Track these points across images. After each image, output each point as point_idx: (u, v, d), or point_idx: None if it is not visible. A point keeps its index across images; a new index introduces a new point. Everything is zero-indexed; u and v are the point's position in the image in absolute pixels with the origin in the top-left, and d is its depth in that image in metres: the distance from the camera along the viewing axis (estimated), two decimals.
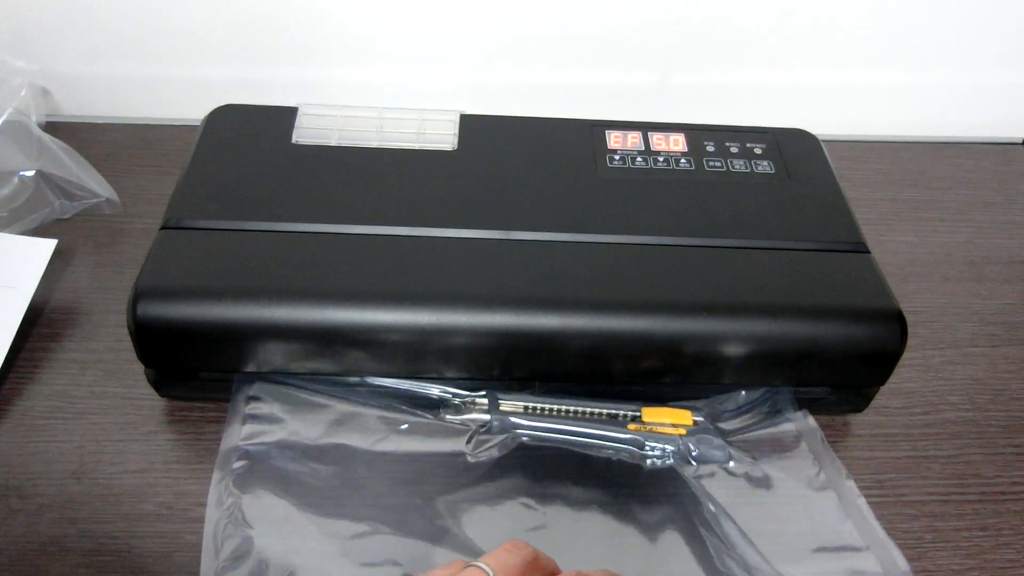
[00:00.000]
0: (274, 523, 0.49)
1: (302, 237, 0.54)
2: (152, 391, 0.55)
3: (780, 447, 0.54)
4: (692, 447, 0.52)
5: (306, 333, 0.51)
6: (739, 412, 0.55)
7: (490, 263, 0.54)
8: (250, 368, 0.53)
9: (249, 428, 0.52)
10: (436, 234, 0.55)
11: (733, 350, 0.52)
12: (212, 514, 0.48)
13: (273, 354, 0.52)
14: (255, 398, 0.53)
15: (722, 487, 0.52)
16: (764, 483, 0.52)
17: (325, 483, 0.51)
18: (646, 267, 0.54)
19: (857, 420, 0.59)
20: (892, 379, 0.55)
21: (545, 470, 0.53)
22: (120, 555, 0.49)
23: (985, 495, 0.55)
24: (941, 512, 0.54)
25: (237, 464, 0.50)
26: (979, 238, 0.74)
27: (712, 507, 0.50)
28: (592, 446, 0.53)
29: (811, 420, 0.54)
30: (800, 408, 0.56)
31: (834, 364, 0.54)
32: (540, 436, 0.53)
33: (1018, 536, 0.53)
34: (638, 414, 0.53)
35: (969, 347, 0.64)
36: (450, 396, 0.54)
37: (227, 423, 0.52)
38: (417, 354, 0.52)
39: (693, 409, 0.53)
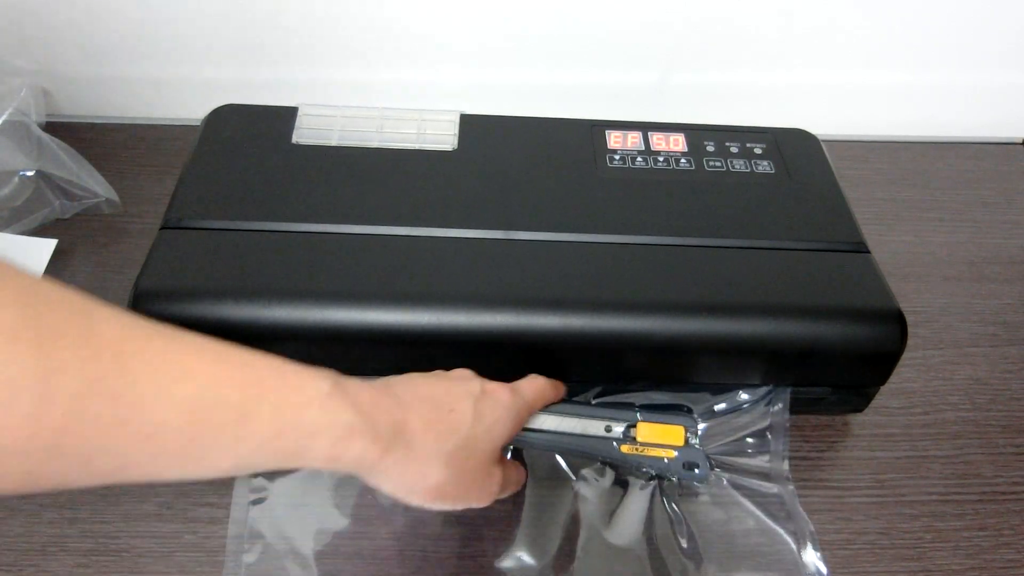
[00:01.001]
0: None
1: (302, 237, 0.54)
2: None
3: (761, 476, 0.54)
4: (676, 474, 0.53)
5: (306, 333, 0.51)
6: (729, 419, 0.55)
7: (490, 263, 0.54)
8: None
9: None
10: (436, 234, 0.55)
11: (733, 350, 0.52)
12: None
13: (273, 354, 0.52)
14: None
15: (694, 509, 0.53)
16: (730, 512, 0.53)
17: (333, 492, 0.51)
18: (646, 267, 0.54)
19: (857, 420, 0.59)
20: (892, 379, 0.55)
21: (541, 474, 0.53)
22: (120, 555, 0.49)
23: (985, 495, 0.55)
24: (941, 512, 0.54)
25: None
26: (979, 238, 0.74)
27: (680, 525, 0.52)
28: (585, 456, 0.54)
29: (785, 464, 0.54)
30: (800, 411, 0.56)
31: (834, 364, 0.54)
32: (536, 448, 0.53)
33: (1018, 536, 0.53)
34: (635, 424, 0.53)
35: (969, 347, 0.64)
36: None
37: None
38: (417, 355, 0.52)
39: (687, 425, 0.53)
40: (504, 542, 0.50)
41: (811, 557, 0.51)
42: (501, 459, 0.46)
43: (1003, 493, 0.55)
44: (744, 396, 0.55)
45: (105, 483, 0.35)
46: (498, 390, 0.46)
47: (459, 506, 0.44)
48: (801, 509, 0.52)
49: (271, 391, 0.37)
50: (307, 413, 0.38)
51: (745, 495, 0.53)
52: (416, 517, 0.51)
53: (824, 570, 0.50)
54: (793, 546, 0.51)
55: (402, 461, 0.40)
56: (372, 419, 0.39)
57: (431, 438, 0.41)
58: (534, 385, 0.49)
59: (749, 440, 0.55)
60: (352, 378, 0.41)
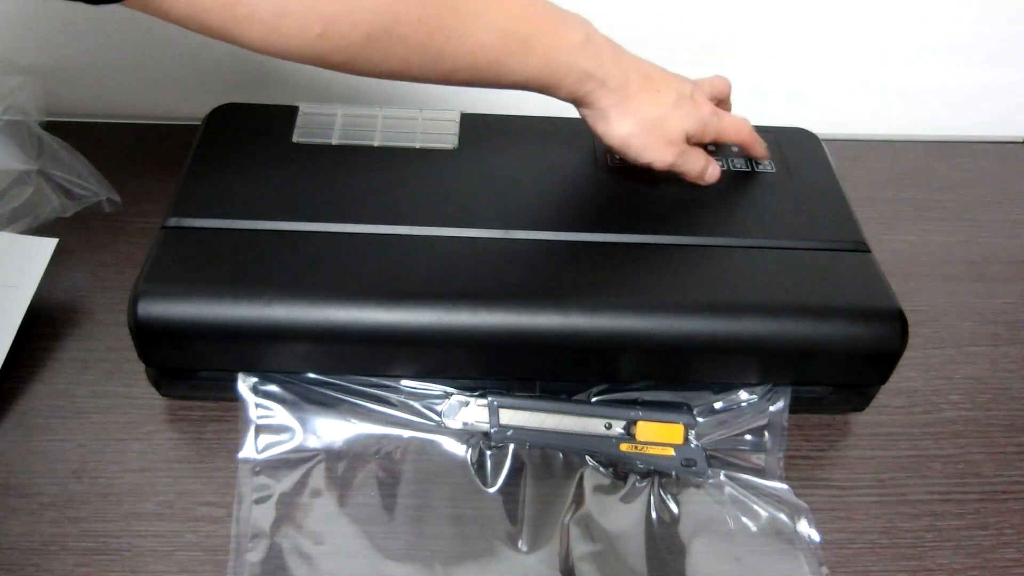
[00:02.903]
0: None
1: (302, 236, 0.54)
2: (153, 390, 0.55)
3: (757, 473, 0.54)
4: (675, 470, 0.53)
5: (306, 332, 0.51)
6: (729, 416, 0.55)
7: (490, 262, 0.54)
8: (251, 368, 0.53)
9: (263, 439, 0.53)
10: (437, 233, 0.55)
11: (733, 349, 0.52)
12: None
13: (274, 353, 0.52)
14: (262, 405, 0.53)
15: (692, 503, 0.53)
16: (727, 506, 0.53)
17: (335, 490, 0.52)
18: (646, 266, 0.54)
19: (858, 419, 0.59)
20: (893, 378, 0.55)
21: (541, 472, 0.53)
22: (121, 554, 0.49)
23: (986, 494, 0.55)
24: (942, 511, 0.54)
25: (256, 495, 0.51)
26: (980, 237, 0.74)
27: (677, 519, 0.52)
28: (585, 454, 0.54)
29: (781, 462, 0.54)
30: (800, 411, 0.56)
31: (835, 363, 0.54)
32: (536, 446, 0.53)
33: (1019, 535, 0.53)
34: (634, 422, 0.53)
35: (970, 346, 0.64)
36: (450, 399, 0.54)
37: (240, 433, 0.52)
38: (418, 354, 0.53)
39: (686, 423, 0.54)
40: (505, 540, 0.50)
41: (805, 528, 0.51)
42: (686, 147, 0.57)
43: (1004, 492, 0.55)
44: (744, 395, 0.55)
45: (430, 80, 0.49)
46: (703, 104, 0.58)
47: (640, 159, 0.56)
48: (798, 500, 0.52)
49: (547, 33, 0.50)
50: (565, 55, 0.51)
51: (742, 490, 0.53)
52: (418, 516, 0.51)
53: (817, 538, 0.51)
54: (791, 536, 0.51)
55: (616, 107, 0.54)
56: (605, 71, 0.53)
57: (640, 100, 0.54)
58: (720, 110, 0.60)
59: (747, 438, 0.55)
60: (597, 31, 0.53)
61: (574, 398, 0.55)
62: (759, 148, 0.62)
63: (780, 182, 0.62)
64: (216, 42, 0.75)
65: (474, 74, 0.50)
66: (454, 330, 0.51)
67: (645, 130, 0.55)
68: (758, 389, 0.55)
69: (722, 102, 0.62)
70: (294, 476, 0.51)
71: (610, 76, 0.53)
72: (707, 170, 0.60)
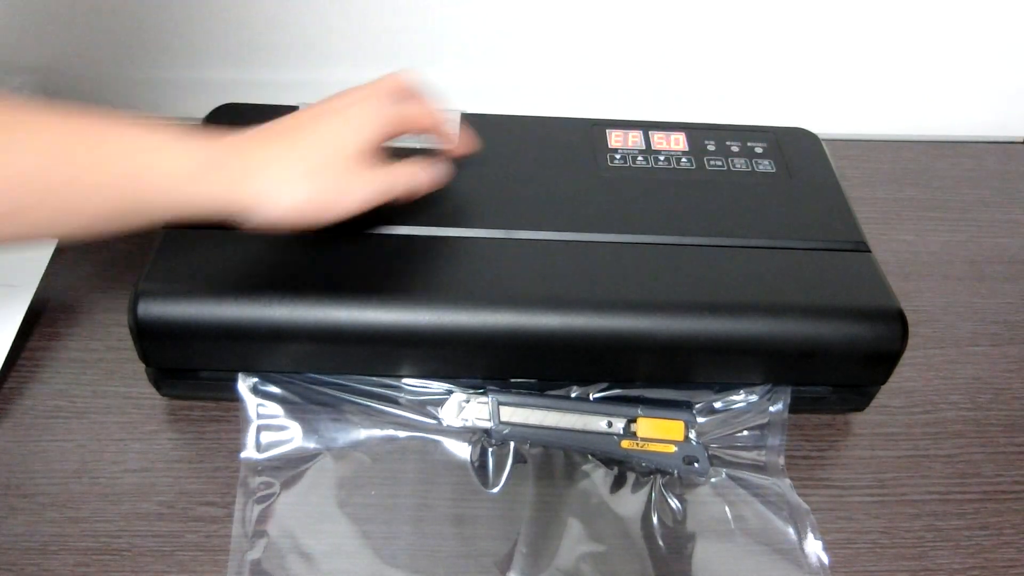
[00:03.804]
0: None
1: (302, 236, 0.54)
2: (153, 390, 0.55)
3: (758, 472, 0.54)
4: (676, 468, 0.53)
5: (306, 333, 0.51)
6: (729, 415, 0.55)
7: (491, 262, 0.54)
8: (251, 368, 0.53)
9: (263, 439, 0.53)
10: (436, 233, 0.55)
11: (734, 349, 0.52)
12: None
13: (274, 353, 0.52)
14: (262, 405, 0.53)
15: (695, 502, 0.52)
16: (730, 506, 0.53)
17: (336, 490, 0.52)
18: (647, 266, 0.54)
19: (858, 419, 0.59)
20: (893, 378, 0.55)
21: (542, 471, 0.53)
22: (121, 554, 0.49)
23: (986, 494, 0.55)
24: (942, 511, 0.54)
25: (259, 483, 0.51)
26: (980, 237, 0.74)
27: (680, 519, 0.52)
28: (586, 452, 0.54)
29: (781, 459, 0.54)
30: (800, 410, 0.56)
31: (835, 363, 0.54)
32: (537, 444, 0.54)
33: (1019, 535, 0.53)
34: (635, 419, 0.53)
35: (970, 346, 0.64)
36: (450, 397, 0.54)
37: (241, 433, 0.52)
38: (418, 354, 0.53)
39: (687, 420, 0.54)
40: (506, 539, 0.50)
41: (813, 548, 0.51)
42: (386, 167, 0.49)
43: (1004, 492, 0.55)
44: (744, 394, 0.55)
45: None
46: (375, 98, 0.50)
47: (336, 216, 0.47)
48: (800, 499, 0.52)
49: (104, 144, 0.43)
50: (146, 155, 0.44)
51: (744, 489, 0.53)
52: (418, 516, 0.51)
53: (826, 560, 0.50)
54: (794, 536, 0.51)
55: (274, 162, 0.45)
56: (221, 141, 0.45)
57: (291, 140, 0.46)
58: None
59: (747, 435, 0.55)
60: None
61: (575, 395, 0.55)
62: (445, 130, 0.54)
63: (780, 182, 0.62)
64: (216, 42, 0.75)
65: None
66: (454, 330, 0.51)
67: (326, 173, 0.46)
68: (758, 389, 0.55)
69: (412, 96, 0.53)
70: (295, 476, 0.51)
71: (231, 141, 0.45)
72: (417, 178, 0.52)
